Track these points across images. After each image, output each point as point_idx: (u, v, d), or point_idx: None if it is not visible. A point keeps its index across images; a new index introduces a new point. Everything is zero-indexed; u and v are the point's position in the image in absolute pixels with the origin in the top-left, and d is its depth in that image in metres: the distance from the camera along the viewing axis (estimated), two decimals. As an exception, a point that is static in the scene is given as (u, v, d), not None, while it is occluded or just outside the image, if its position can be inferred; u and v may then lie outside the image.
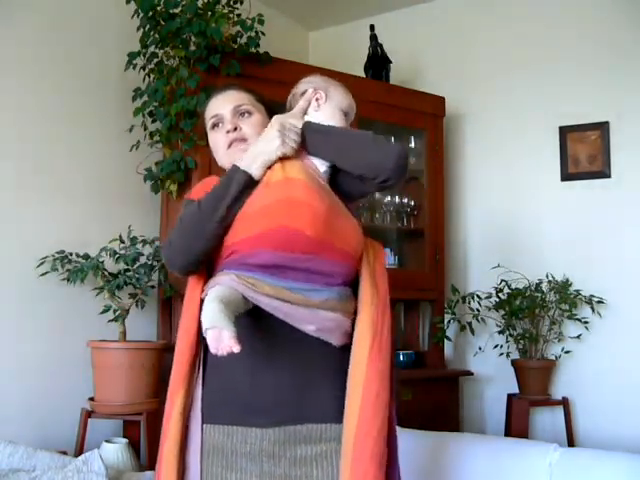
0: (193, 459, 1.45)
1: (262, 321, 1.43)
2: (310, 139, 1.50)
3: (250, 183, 1.45)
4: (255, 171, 1.45)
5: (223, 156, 1.60)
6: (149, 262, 2.63)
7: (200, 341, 1.46)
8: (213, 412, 1.45)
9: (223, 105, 1.60)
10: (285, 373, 1.42)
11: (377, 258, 1.55)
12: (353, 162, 1.48)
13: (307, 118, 1.58)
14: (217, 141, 1.60)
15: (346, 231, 1.47)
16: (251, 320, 1.43)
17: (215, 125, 1.60)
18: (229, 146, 1.58)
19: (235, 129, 1.57)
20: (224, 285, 1.39)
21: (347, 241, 1.46)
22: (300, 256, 1.39)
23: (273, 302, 1.38)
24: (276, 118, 1.52)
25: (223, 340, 1.27)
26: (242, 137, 1.57)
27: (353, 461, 1.35)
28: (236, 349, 1.26)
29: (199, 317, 1.39)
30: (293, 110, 1.60)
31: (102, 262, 2.57)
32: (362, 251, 1.52)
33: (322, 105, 1.60)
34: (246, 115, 1.59)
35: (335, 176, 1.54)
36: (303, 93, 1.62)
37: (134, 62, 2.76)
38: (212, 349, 1.28)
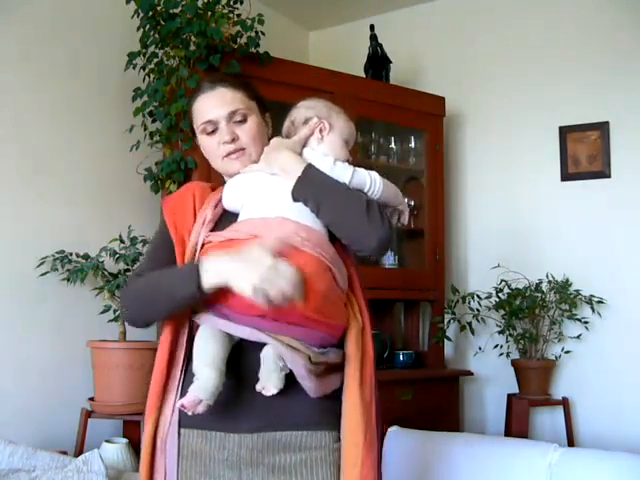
0: (170, 464, 1.43)
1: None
2: (305, 192, 1.43)
3: (201, 295, 1.34)
4: (209, 290, 1.32)
5: (219, 164, 1.55)
6: (149, 262, 2.63)
7: (178, 354, 1.46)
8: (191, 417, 1.41)
9: (216, 109, 1.51)
10: None
11: (365, 340, 1.48)
12: (340, 231, 1.45)
13: (308, 150, 1.52)
14: (212, 148, 1.54)
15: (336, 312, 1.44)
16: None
17: (209, 132, 1.52)
18: (226, 155, 1.52)
19: (233, 140, 1.50)
20: (212, 328, 1.38)
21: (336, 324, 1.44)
22: (290, 327, 1.36)
23: (254, 333, 1.35)
24: (274, 160, 1.47)
25: (197, 408, 1.32)
26: (241, 147, 1.52)
27: None
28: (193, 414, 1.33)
29: (174, 331, 1.45)
30: (294, 138, 1.53)
31: (102, 262, 2.57)
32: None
33: (325, 137, 1.54)
34: (241, 121, 1.51)
35: None
36: (305, 121, 1.54)
37: (134, 62, 2.76)
38: (180, 405, 1.33)
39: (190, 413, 1.33)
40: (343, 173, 1.47)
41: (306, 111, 1.56)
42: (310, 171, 1.44)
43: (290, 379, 1.37)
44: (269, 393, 1.34)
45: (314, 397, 1.40)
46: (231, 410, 1.42)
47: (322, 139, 1.53)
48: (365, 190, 1.48)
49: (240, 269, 1.28)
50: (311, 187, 1.43)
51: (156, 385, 1.46)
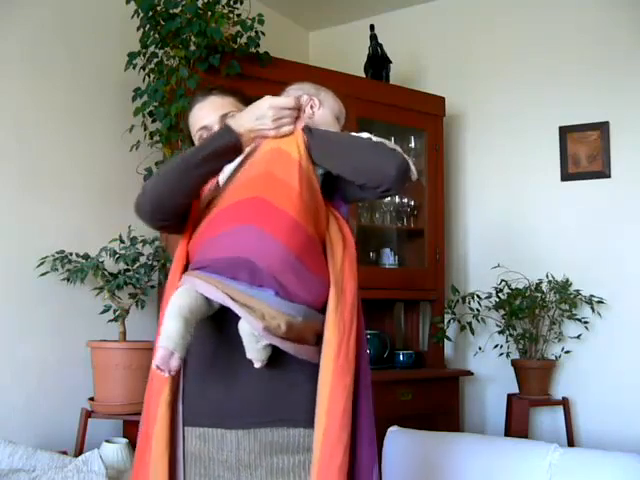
0: (178, 468, 1.43)
1: (236, 324, 1.39)
2: (310, 144, 1.47)
3: (236, 147, 1.45)
4: (245, 137, 1.45)
5: None
6: (149, 262, 2.63)
7: None
8: (191, 414, 1.44)
9: (209, 115, 1.58)
10: (260, 374, 1.39)
11: (346, 256, 1.45)
12: (354, 171, 1.44)
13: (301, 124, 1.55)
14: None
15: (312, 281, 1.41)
16: (227, 323, 1.41)
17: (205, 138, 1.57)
18: None
19: None
20: (189, 288, 1.38)
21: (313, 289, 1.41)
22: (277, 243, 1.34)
23: (226, 300, 1.35)
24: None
25: (170, 364, 1.30)
26: None
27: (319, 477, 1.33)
28: (169, 375, 1.32)
29: None
30: None
31: (102, 262, 2.57)
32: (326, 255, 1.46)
33: (316, 112, 1.57)
34: None
35: (333, 179, 1.51)
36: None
37: (134, 62, 2.76)
38: (154, 365, 1.31)
39: (167, 373, 1.31)
40: None
41: (295, 92, 1.60)
42: (310, 127, 1.49)
43: (284, 374, 1.39)
44: (257, 366, 1.36)
45: (299, 357, 1.39)
46: (228, 404, 1.42)
47: (313, 114, 1.57)
48: None
49: (252, 112, 1.46)
50: (314, 139, 1.46)
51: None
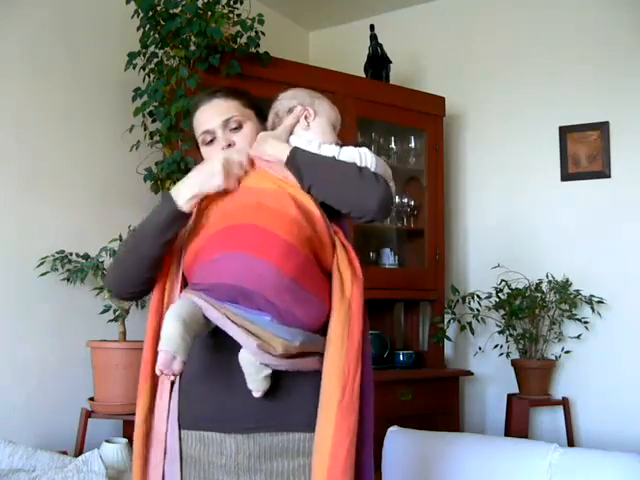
0: (172, 469, 1.44)
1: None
2: (297, 172, 1.45)
3: (180, 215, 1.42)
4: (185, 206, 1.41)
5: None
6: (149, 262, 2.63)
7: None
8: (189, 418, 1.44)
9: (212, 119, 1.55)
10: None
11: (355, 293, 1.41)
12: (338, 201, 1.44)
13: (295, 137, 1.53)
14: (213, 157, 1.55)
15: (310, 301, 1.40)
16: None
17: (208, 142, 1.56)
18: None
19: (229, 145, 1.53)
20: (187, 301, 1.37)
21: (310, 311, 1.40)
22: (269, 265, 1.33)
23: (222, 320, 1.34)
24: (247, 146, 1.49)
25: (172, 367, 1.29)
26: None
27: None
28: (173, 378, 1.33)
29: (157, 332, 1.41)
30: (279, 128, 1.54)
31: (102, 262, 2.57)
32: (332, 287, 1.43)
33: (311, 123, 1.55)
34: (237, 128, 1.55)
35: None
36: (289, 110, 1.56)
37: (134, 62, 2.76)
38: (157, 371, 1.30)
39: (171, 377, 1.31)
40: (329, 153, 1.48)
41: (289, 101, 1.58)
42: (296, 152, 1.47)
43: (287, 378, 1.38)
44: (257, 395, 1.36)
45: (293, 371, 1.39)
46: (228, 408, 1.42)
47: (308, 126, 1.55)
48: (357, 165, 1.47)
49: (201, 172, 1.43)
50: (299, 167, 1.44)
51: (140, 386, 1.50)
